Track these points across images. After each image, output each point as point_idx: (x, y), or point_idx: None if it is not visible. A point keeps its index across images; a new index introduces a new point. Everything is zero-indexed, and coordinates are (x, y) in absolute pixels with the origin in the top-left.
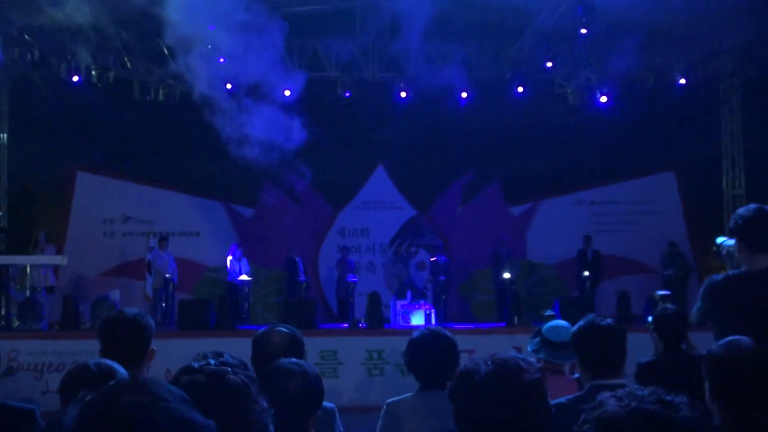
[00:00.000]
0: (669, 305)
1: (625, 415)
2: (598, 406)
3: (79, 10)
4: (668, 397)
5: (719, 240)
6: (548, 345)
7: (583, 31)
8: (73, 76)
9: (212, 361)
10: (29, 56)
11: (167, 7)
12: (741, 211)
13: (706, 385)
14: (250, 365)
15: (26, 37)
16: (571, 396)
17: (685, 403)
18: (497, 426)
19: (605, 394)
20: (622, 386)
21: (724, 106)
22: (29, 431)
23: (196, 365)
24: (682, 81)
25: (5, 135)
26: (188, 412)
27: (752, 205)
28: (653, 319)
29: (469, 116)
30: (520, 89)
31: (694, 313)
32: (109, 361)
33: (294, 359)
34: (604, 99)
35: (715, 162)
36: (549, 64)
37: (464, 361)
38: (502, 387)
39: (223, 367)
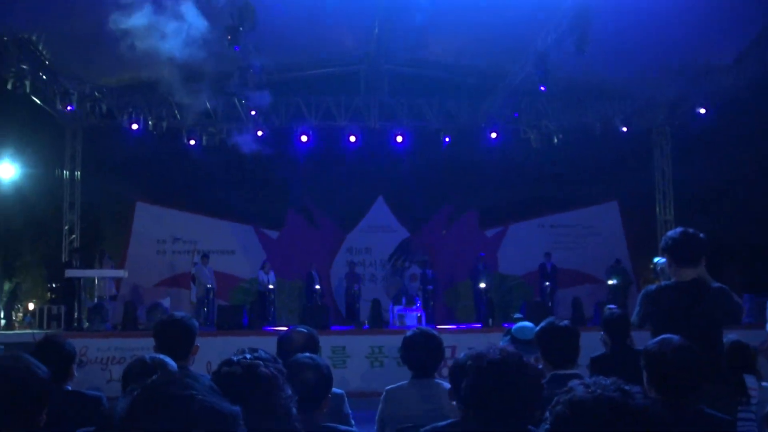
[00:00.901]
0: (615, 310)
1: (590, 399)
2: (569, 391)
3: (137, 73)
4: (626, 387)
5: (655, 260)
6: (516, 342)
7: (542, 88)
8: (133, 125)
9: (248, 356)
10: (98, 109)
11: (206, 70)
12: (670, 233)
13: (644, 374)
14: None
15: (96, 94)
16: None
17: (639, 392)
18: (499, 405)
19: (575, 382)
20: (577, 376)
21: (656, 149)
22: (97, 413)
23: (235, 359)
24: (623, 128)
25: (78, 173)
26: (217, 401)
27: (679, 229)
28: (603, 322)
29: (451, 157)
30: (493, 135)
31: (634, 317)
32: (160, 356)
33: (310, 354)
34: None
35: (649, 194)
36: (516, 115)
37: (448, 355)
38: (504, 374)
39: (257, 361)
